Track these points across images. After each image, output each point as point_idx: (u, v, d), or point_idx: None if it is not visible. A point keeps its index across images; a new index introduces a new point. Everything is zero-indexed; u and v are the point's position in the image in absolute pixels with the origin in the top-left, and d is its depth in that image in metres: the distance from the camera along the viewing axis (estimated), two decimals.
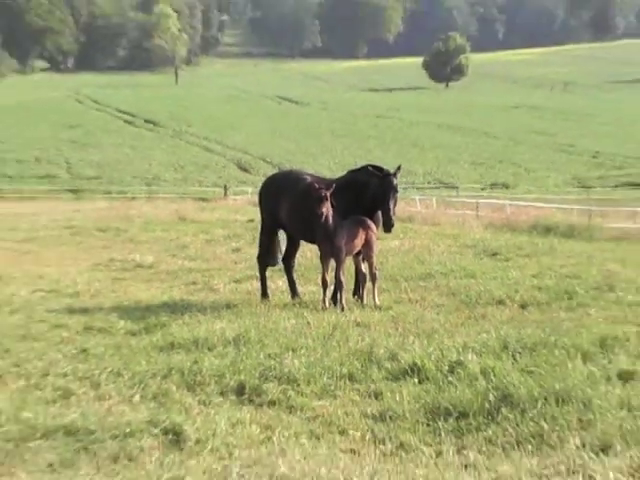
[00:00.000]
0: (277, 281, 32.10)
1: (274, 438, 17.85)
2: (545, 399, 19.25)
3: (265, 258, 33.51)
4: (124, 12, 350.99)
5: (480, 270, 38.28)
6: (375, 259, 31.62)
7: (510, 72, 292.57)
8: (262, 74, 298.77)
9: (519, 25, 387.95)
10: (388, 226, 31.61)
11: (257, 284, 33.14)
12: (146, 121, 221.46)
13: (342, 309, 30.29)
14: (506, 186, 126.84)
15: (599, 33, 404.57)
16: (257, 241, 33.61)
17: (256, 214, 33.85)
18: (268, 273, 34.12)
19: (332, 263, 31.13)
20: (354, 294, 31.07)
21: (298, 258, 33.20)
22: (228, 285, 35.45)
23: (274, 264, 33.32)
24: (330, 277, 31.26)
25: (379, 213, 31.60)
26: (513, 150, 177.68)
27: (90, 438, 17.81)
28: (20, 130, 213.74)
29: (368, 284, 31.39)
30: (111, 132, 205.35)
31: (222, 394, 20.68)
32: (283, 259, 33.59)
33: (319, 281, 31.53)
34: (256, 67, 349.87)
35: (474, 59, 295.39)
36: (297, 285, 32.19)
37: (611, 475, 15.76)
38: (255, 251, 33.95)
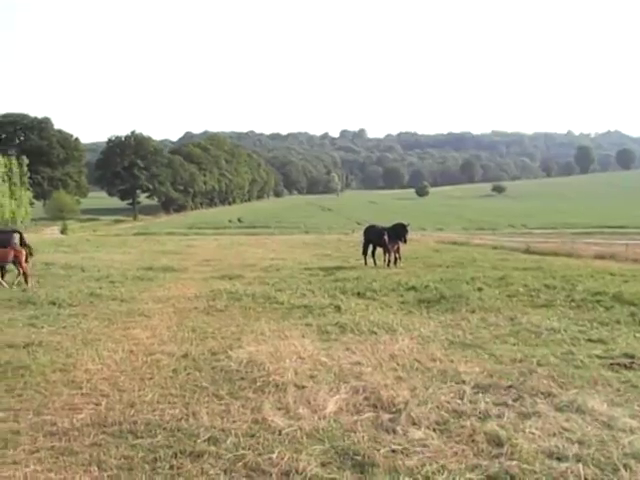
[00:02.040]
0: (369, 260, 31.74)
1: (369, 308, 17.75)
2: (454, 296, 19.15)
3: (364, 252, 32.79)
4: (321, 174, 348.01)
5: (433, 255, 37.82)
6: (400, 252, 31.40)
7: (445, 193, 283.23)
8: (364, 195, 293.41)
9: (445, 177, 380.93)
10: (405, 242, 31.58)
11: (362, 260, 32.49)
12: (327, 209, 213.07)
13: (389, 267, 30.08)
14: (440, 229, 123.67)
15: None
16: (362, 247, 32.88)
17: (361, 238, 33.48)
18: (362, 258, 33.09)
19: (387, 254, 30.96)
20: (394, 264, 30.97)
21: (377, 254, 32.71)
22: (355, 261, 34.54)
23: (365, 255, 32.70)
24: (386, 259, 31.06)
25: (403, 238, 31.41)
26: (443, 218, 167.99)
27: (310, 309, 17.69)
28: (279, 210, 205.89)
29: (399, 260, 31.33)
30: (315, 214, 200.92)
31: (352, 295, 20.34)
32: (371, 253, 33.28)
33: (384, 259, 31.26)
34: (358, 192, 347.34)
35: (432, 190, 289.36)
36: (376, 261, 31.98)
37: (475, 321, 15.68)
38: (361, 249, 33.27)
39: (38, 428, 8.50)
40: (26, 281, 23.89)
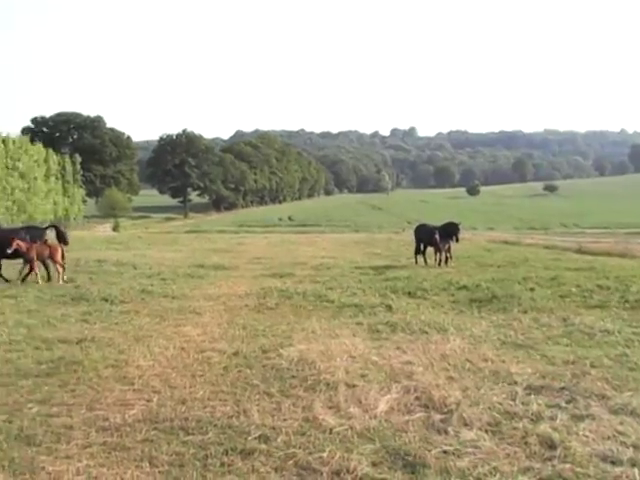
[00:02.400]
0: (420, 259, 31.56)
1: (420, 308, 17.63)
2: (506, 296, 18.98)
3: (416, 251, 32.45)
4: (371, 173, 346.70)
5: (484, 254, 37.47)
6: (451, 251, 31.16)
7: (496, 193, 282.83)
8: (415, 194, 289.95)
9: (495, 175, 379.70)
10: (457, 241, 31.27)
11: (413, 259, 32.26)
12: (377, 207, 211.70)
13: (440, 266, 29.85)
14: (491, 229, 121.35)
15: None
16: (414, 246, 32.63)
17: (412, 237, 33.18)
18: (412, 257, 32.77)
19: (438, 254, 30.75)
20: (445, 263, 30.73)
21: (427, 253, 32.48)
22: (405, 260, 34.26)
23: (418, 254, 32.42)
24: (437, 258, 30.83)
25: (455, 236, 31.16)
26: (494, 217, 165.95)
27: (361, 307, 17.62)
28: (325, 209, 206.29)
29: (450, 260, 31.09)
30: (365, 213, 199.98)
31: (403, 294, 20.19)
32: (422, 252, 33.01)
33: (434, 258, 31.03)
34: (409, 191, 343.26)
35: (483, 189, 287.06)
36: (426, 260, 31.69)
37: (527, 321, 15.51)
38: (411, 248, 33.07)
39: (91, 423, 8.59)
40: (61, 277, 24.02)
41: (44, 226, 28.63)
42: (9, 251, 23.25)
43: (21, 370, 11.22)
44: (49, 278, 24.31)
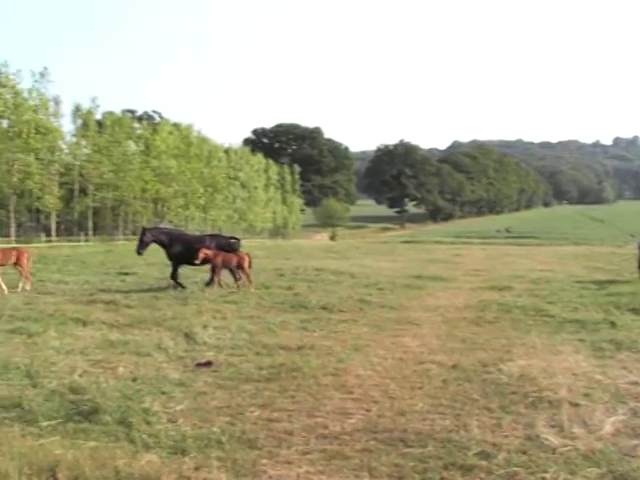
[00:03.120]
0: None
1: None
2: None
3: (639, 265, 30.27)
4: (591, 184, 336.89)
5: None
6: None
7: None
8: (638, 206, 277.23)
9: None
10: None
11: (637, 274, 29.74)
12: (598, 220, 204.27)
13: None
14: None
15: None
16: (637, 260, 30.59)
17: (636, 251, 31.35)
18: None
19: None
20: None
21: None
22: (629, 274, 31.99)
23: None
24: None
25: None
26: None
27: (583, 323, 16.99)
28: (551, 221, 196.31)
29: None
30: (585, 225, 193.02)
31: (627, 310, 19.12)
32: None
33: None
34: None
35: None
36: None
37: None
38: (635, 263, 30.81)
39: (310, 430, 8.72)
40: (252, 285, 24.61)
41: (229, 236, 29.54)
42: (197, 262, 24.44)
43: (243, 374, 11.58)
44: (238, 286, 24.87)
